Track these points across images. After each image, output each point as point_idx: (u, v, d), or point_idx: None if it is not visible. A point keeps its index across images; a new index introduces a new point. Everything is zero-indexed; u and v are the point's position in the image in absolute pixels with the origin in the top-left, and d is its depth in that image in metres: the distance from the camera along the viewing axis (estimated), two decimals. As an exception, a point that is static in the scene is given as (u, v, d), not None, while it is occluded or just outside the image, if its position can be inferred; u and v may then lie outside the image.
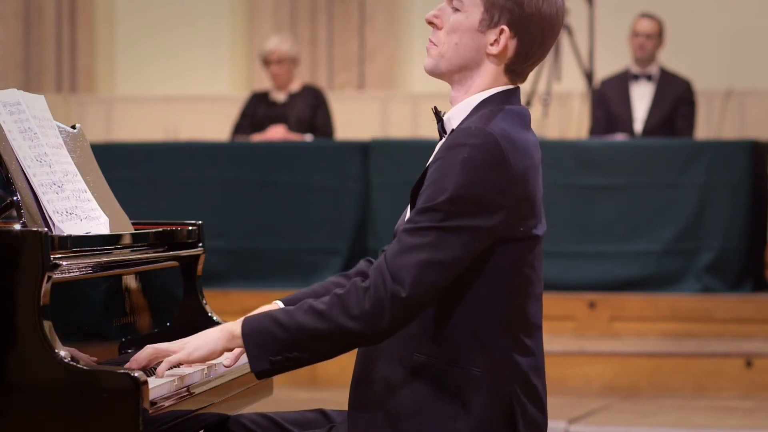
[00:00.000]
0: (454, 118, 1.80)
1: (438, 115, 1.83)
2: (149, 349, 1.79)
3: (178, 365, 1.81)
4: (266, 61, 6.70)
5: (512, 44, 1.76)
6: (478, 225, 1.66)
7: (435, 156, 1.73)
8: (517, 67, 1.80)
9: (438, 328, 1.73)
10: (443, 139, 1.79)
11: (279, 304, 1.95)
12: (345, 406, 1.86)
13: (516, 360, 1.74)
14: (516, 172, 1.69)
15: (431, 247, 1.65)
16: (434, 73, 1.82)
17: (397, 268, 1.65)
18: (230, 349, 1.77)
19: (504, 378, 1.72)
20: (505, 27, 1.75)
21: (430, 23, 1.82)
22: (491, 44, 1.77)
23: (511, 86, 1.81)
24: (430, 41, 1.82)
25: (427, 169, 1.73)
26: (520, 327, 1.76)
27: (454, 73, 1.80)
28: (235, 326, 1.74)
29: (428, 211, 1.67)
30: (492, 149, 1.67)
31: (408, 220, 1.72)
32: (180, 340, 1.81)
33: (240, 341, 1.72)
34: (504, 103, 1.78)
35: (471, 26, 1.77)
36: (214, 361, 1.87)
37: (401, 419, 1.72)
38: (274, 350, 1.69)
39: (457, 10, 1.78)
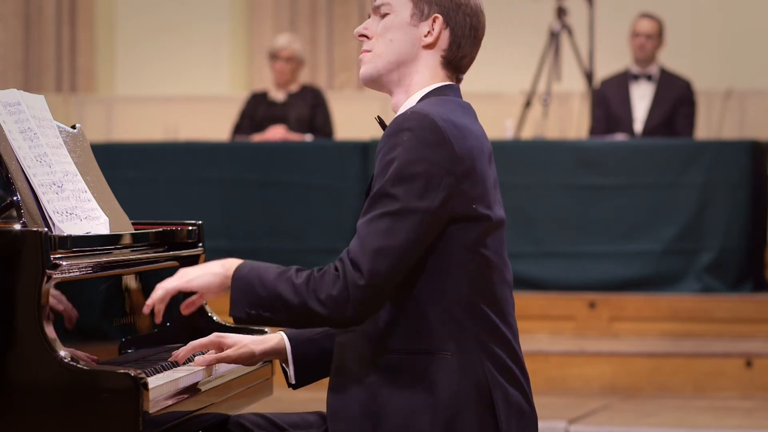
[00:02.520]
0: None
1: (382, 124, 1.84)
2: (159, 290, 1.81)
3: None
4: (275, 56, 6.69)
5: (445, 34, 1.81)
6: (426, 206, 1.68)
7: (378, 147, 1.75)
8: (454, 59, 1.83)
9: (406, 317, 1.74)
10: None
11: (284, 336, 1.98)
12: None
13: (488, 344, 1.75)
14: (458, 151, 1.71)
15: (384, 234, 1.68)
16: (371, 75, 1.85)
17: (355, 257, 1.67)
18: (225, 287, 1.79)
19: (476, 360, 1.73)
20: (438, 15, 1.80)
21: (361, 36, 1.87)
22: (425, 36, 1.81)
23: (449, 82, 1.84)
24: (363, 51, 1.86)
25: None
26: (491, 312, 1.76)
27: (392, 72, 1.83)
28: (233, 265, 1.78)
29: (378, 198, 1.70)
30: (430, 128, 1.69)
31: (362, 211, 1.75)
32: (180, 270, 1.84)
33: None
34: (442, 95, 1.81)
35: (403, 21, 1.81)
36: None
37: (376, 410, 1.73)
38: (251, 303, 1.73)
39: (386, 14, 1.83)
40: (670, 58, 6.75)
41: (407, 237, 1.68)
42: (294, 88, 6.78)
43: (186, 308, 1.86)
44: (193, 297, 1.84)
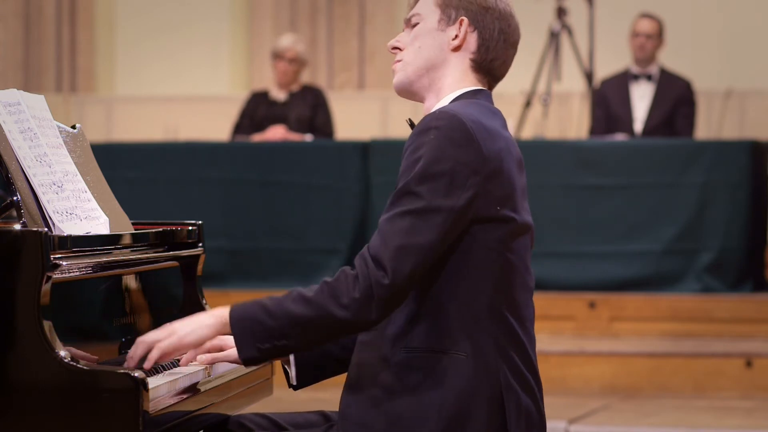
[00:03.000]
0: None
1: (413, 126, 1.84)
2: (142, 345, 1.79)
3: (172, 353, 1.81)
4: (278, 56, 6.69)
5: (473, 36, 1.81)
6: (451, 205, 1.67)
7: (405, 144, 1.75)
8: (483, 62, 1.83)
9: (425, 316, 1.73)
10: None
11: None
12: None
13: (505, 349, 1.74)
14: (485, 151, 1.70)
15: (408, 232, 1.67)
16: (403, 83, 1.86)
17: (377, 256, 1.66)
18: (222, 334, 1.78)
19: (492, 363, 1.72)
20: (464, 18, 1.81)
21: (394, 49, 1.88)
22: (453, 39, 1.81)
23: (480, 87, 1.84)
24: (396, 61, 1.87)
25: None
26: (510, 317, 1.76)
27: (422, 77, 1.83)
28: (225, 311, 1.75)
29: (402, 196, 1.69)
30: (457, 127, 1.69)
31: (386, 207, 1.73)
32: (166, 326, 1.81)
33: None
34: (473, 99, 1.80)
35: (431, 28, 1.83)
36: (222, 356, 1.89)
37: (389, 408, 1.72)
38: (262, 338, 1.70)
39: (416, 24, 1.85)
40: (670, 58, 6.75)
41: (431, 235, 1.67)
42: (295, 87, 6.78)
43: (185, 363, 1.87)
44: (188, 355, 1.83)
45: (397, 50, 1.87)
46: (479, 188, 1.69)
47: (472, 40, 1.81)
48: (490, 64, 1.84)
